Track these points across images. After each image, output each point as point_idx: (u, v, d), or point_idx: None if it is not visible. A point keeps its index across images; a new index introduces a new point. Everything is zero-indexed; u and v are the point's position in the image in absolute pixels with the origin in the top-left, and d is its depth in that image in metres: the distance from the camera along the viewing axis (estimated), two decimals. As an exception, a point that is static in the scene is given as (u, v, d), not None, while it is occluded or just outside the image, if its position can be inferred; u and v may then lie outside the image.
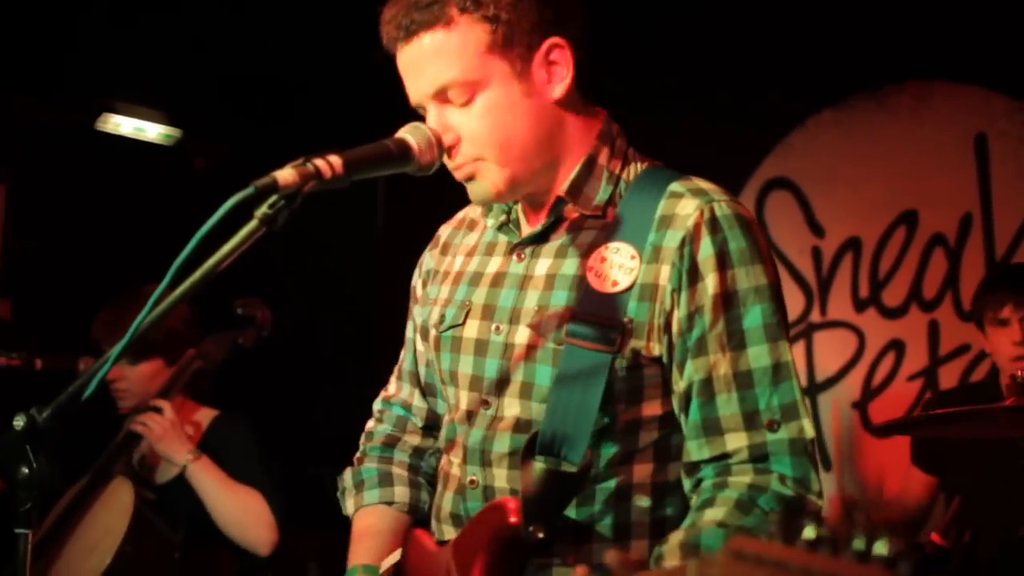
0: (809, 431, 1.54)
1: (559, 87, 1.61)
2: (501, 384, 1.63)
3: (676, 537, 1.47)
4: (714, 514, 1.47)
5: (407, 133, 1.56)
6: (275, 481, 2.97)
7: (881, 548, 0.98)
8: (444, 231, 1.87)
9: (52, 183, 4.68)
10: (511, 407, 1.62)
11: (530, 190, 1.67)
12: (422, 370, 1.86)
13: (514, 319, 1.64)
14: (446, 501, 1.70)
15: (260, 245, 1.40)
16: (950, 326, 3.78)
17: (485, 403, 1.64)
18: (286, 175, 1.40)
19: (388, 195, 4.71)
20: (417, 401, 1.88)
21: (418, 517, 1.82)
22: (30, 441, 1.59)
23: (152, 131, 4.82)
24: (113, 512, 2.82)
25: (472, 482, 1.64)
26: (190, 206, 4.91)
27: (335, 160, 1.45)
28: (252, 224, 1.42)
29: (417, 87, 1.60)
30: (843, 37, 3.83)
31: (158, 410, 2.92)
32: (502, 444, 1.62)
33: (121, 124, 4.75)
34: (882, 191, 3.80)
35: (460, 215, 1.88)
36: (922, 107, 3.81)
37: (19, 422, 1.60)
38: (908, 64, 3.79)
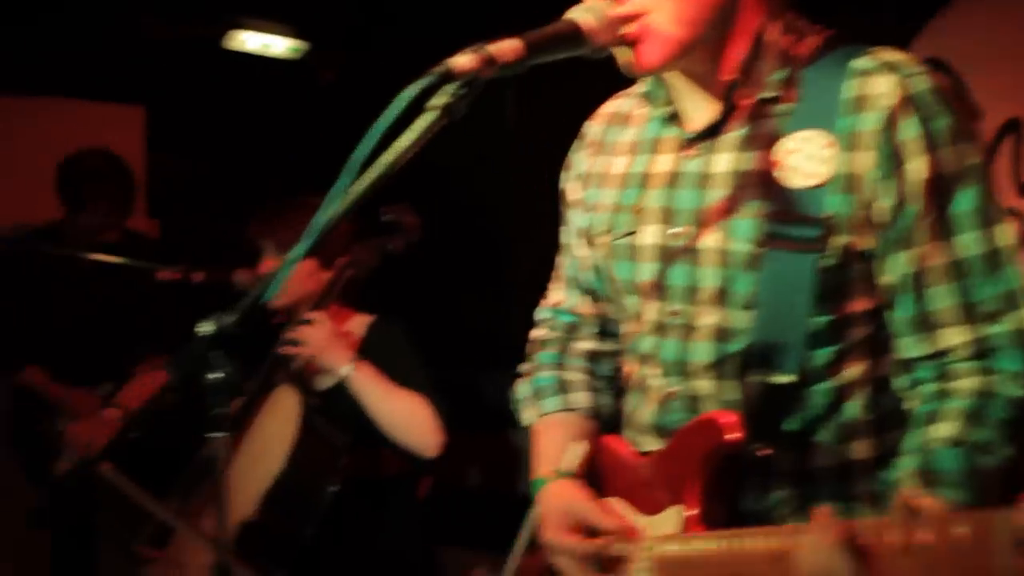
0: None
1: None
2: (692, 292, 1.55)
3: (909, 462, 1.39)
4: (945, 430, 1.38)
5: (581, 12, 1.48)
6: (435, 384, 2.98)
7: None
8: (592, 129, 1.77)
9: (185, 103, 4.75)
10: (707, 315, 1.54)
11: (695, 69, 1.55)
12: (584, 275, 1.79)
13: (699, 222, 1.54)
14: (645, 412, 1.64)
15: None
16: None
17: (675, 313, 1.57)
18: (462, 61, 1.35)
19: (518, 91, 4.64)
20: (586, 307, 1.82)
21: (600, 422, 1.77)
22: (218, 346, 1.61)
23: (278, 46, 4.83)
24: (280, 419, 2.86)
25: (672, 394, 1.59)
26: (318, 120, 4.97)
27: (513, 44, 1.40)
28: (431, 115, 1.38)
29: None
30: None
31: (312, 323, 2.94)
32: (703, 354, 1.55)
33: (247, 40, 4.77)
34: (987, 98, 3.57)
35: (608, 109, 1.77)
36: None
37: (206, 328, 1.62)
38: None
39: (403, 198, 3.14)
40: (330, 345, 2.90)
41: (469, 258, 4.71)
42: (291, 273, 3.01)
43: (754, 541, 1.37)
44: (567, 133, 5.24)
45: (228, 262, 3.26)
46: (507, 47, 1.39)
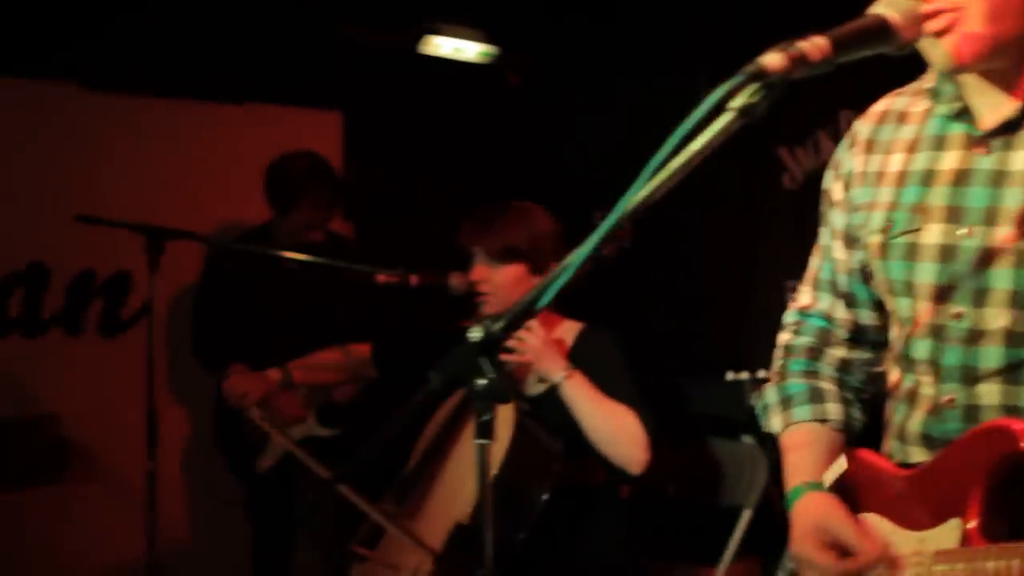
0: None
1: None
2: (979, 293, 1.49)
3: None
4: None
5: (885, 7, 1.42)
6: (643, 396, 2.93)
7: None
8: (862, 127, 1.72)
9: (382, 108, 4.82)
10: (997, 318, 1.48)
11: (998, 66, 1.48)
12: (841, 278, 1.74)
13: (991, 220, 1.49)
14: (914, 422, 1.58)
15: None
16: None
17: (958, 315, 1.51)
18: (774, 61, 1.32)
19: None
20: (839, 312, 1.76)
21: (849, 436, 1.72)
22: (486, 352, 1.60)
23: (471, 50, 4.85)
24: (496, 424, 2.85)
25: (950, 401, 1.53)
26: (508, 123, 4.98)
27: (821, 42, 1.35)
28: (729, 116, 1.35)
29: None
30: None
31: (528, 330, 2.92)
32: (991, 359, 1.48)
33: (442, 45, 4.81)
34: None
35: (879, 108, 1.72)
36: None
37: (476, 334, 1.61)
38: None
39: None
40: (545, 352, 2.88)
41: (662, 263, 4.65)
42: (498, 279, 3.05)
43: None
44: (763, 133, 5.09)
45: (430, 266, 3.29)
46: (816, 45, 1.34)
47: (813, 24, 1.44)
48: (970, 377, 1.51)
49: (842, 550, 1.57)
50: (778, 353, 1.83)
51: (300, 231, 3.99)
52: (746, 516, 3.16)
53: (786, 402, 1.75)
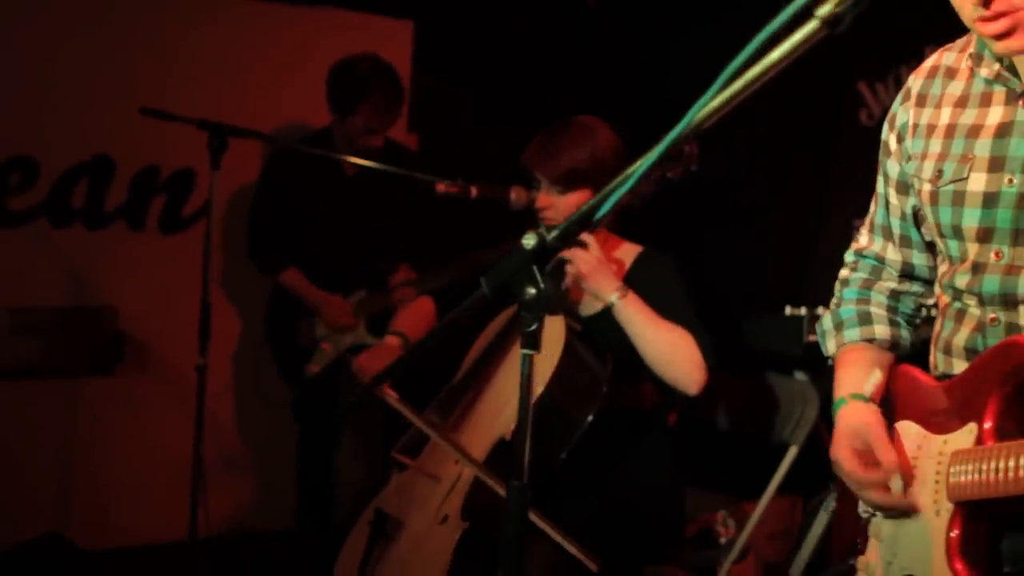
0: None
1: None
2: (1017, 235, 1.62)
3: None
4: None
5: None
6: (700, 321, 2.87)
7: None
8: (914, 83, 1.84)
9: (453, 20, 4.75)
10: None
11: None
12: (895, 222, 1.89)
13: None
14: (960, 337, 1.71)
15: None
16: None
17: (999, 253, 1.65)
18: (867, -36, 1.24)
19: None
20: (891, 254, 1.92)
21: (898, 354, 1.88)
22: (538, 261, 1.57)
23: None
24: (545, 342, 2.79)
25: (993, 319, 1.66)
26: (584, 44, 4.87)
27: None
28: (813, 24, 1.27)
29: None
30: None
31: (583, 244, 2.87)
32: None
33: (518, -41, 4.70)
34: None
35: (929, 63, 1.83)
36: None
37: (529, 241, 1.57)
38: None
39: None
40: (600, 270, 2.83)
41: (733, 194, 4.56)
42: (562, 205, 2.99)
43: None
44: (844, 67, 4.92)
45: (494, 180, 3.23)
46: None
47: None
48: (1010, 301, 1.64)
49: (870, 458, 1.72)
50: (836, 287, 2.00)
51: (360, 135, 3.94)
52: (792, 453, 3.12)
53: (839, 326, 1.91)
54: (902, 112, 1.84)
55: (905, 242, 1.88)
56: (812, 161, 4.77)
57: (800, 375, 3.71)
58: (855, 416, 1.76)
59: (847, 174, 4.71)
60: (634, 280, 2.93)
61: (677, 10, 4.76)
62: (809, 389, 3.30)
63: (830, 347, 1.92)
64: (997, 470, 1.49)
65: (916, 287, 1.91)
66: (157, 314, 4.28)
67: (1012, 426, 1.54)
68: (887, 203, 1.89)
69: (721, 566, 3.09)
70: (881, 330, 1.87)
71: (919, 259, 1.88)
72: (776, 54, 1.30)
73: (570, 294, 3.01)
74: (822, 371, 3.76)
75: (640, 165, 1.45)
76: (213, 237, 3.42)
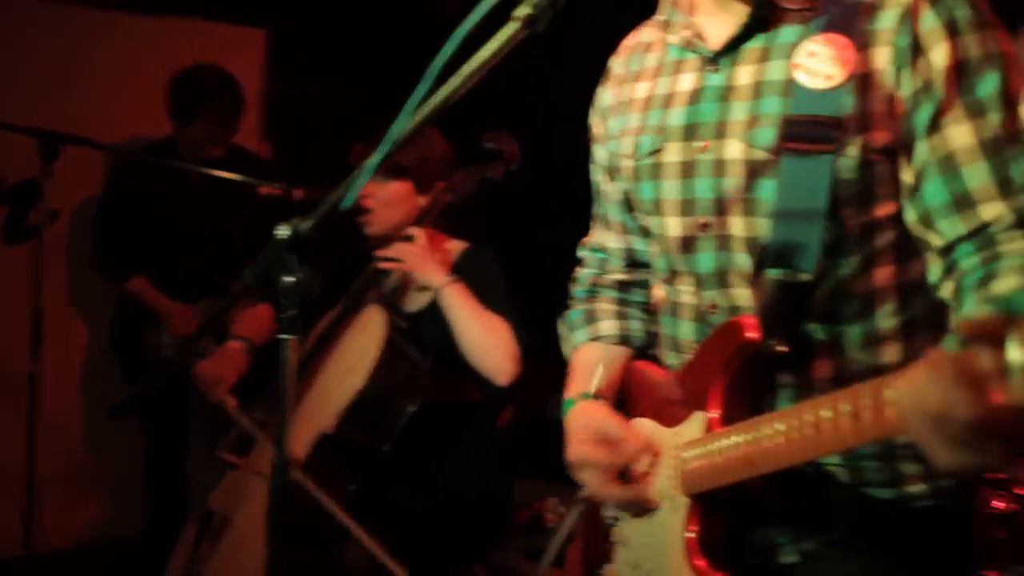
0: None
1: None
2: (720, 204, 1.55)
3: (979, 310, 1.33)
4: (1008, 283, 1.33)
5: None
6: (519, 315, 2.98)
7: None
8: (614, 63, 1.80)
9: (308, 27, 4.78)
10: (737, 226, 1.54)
11: None
12: (611, 209, 1.83)
13: (721, 134, 1.55)
14: (684, 330, 1.64)
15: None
16: None
17: (705, 225, 1.57)
18: (552, -33, 1.32)
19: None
20: (612, 243, 1.86)
21: (634, 346, 1.80)
22: (294, 250, 1.62)
23: (398, -28, 4.81)
24: (367, 337, 2.89)
25: (713, 307, 1.59)
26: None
27: (598, -48, 1.36)
28: (512, 26, 1.36)
29: None
30: None
31: (410, 238, 2.95)
32: (739, 264, 1.55)
33: (368, -34, 4.76)
34: None
35: (628, 42, 1.80)
36: None
37: (283, 232, 1.63)
38: None
39: (504, 125, 3.12)
40: (426, 260, 2.92)
41: (558, 188, 4.67)
42: (383, 195, 3.06)
43: (794, 416, 1.36)
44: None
45: (332, 182, 3.28)
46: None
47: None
48: (725, 282, 1.57)
49: (612, 446, 1.65)
50: (570, 287, 1.93)
51: (200, 145, 3.97)
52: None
53: (570, 328, 1.87)
54: (603, 94, 1.80)
55: (623, 228, 1.82)
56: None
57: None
58: (584, 414, 1.70)
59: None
60: (458, 273, 3.01)
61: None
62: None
63: (566, 351, 1.88)
64: (722, 454, 1.47)
65: (643, 274, 1.84)
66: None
67: (738, 411, 1.52)
68: (602, 191, 1.84)
69: (546, 551, 3.18)
70: (607, 326, 1.81)
71: (640, 244, 1.81)
72: (484, 54, 1.38)
73: (398, 293, 3.09)
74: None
75: (367, 168, 1.52)
76: (56, 246, 3.41)
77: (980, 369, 1.04)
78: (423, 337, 2.95)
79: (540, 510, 3.37)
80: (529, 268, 3.85)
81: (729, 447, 1.46)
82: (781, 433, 1.37)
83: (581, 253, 1.94)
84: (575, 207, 4.77)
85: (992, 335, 1.02)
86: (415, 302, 3.05)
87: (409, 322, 2.99)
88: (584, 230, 5.02)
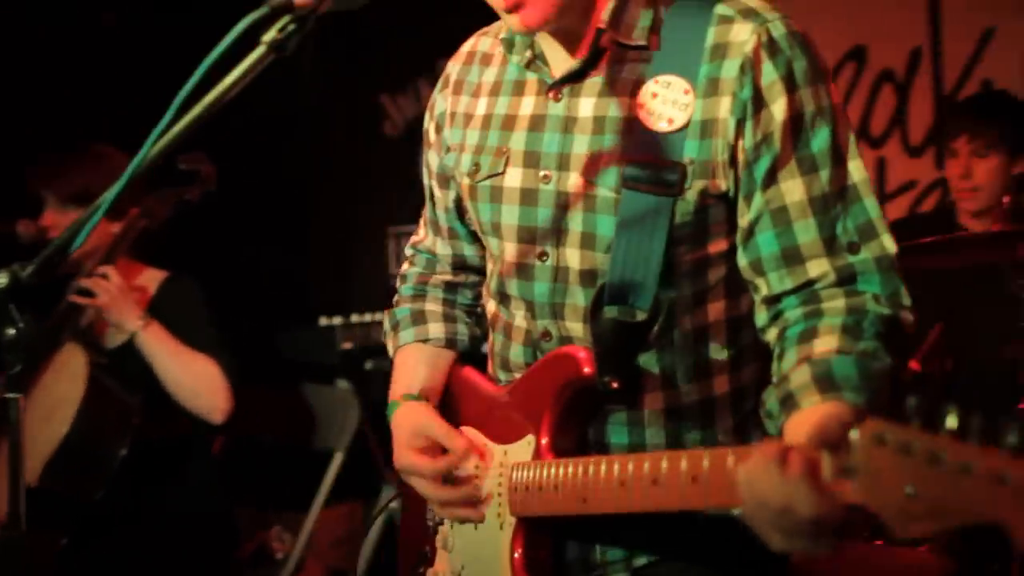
0: (891, 247, 1.48)
1: None
2: (557, 234, 1.56)
3: (801, 375, 1.38)
4: (827, 343, 1.40)
5: None
6: (228, 344, 2.89)
7: None
8: (452, 68, 1.75)
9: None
10: (573, 258, 1.55)
11: (567, 24, 1.54)
12: (441, 215, 1.80)
13: (563, 166, 1.55)
14: (515, 352, 1.64)
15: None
16: (897, 162, 3.79)
17: (543, 255, 1.58)
18: (302, -8, 1.28)
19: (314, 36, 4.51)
20: (440, 248, 1.84)
21: (459, 350, 1.79)
22: (14, 299, 1.48)
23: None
24: (67, 378, 2.71)
25: (546, 334, 1.59)
26: (99, 64, 4.63)
27: (351, -26, 1.32)
28: (260, 50, 1.30)
29: None
30: None
31: (104, 276, 2.79)
32: (574, 297, 1.56)
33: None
34: (832, 26, 3.71)
35: (466, 48, 1.75)
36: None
37: (1, 279, 1.48)
38: None
39: (199, 146, 3.00)
40: (119, 301, 2.77)
41: (266, 210, 4.57)
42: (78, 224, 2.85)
43: (629, 464, 1.38)
44: (365, 81, 5.10)
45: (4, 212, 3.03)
46: (342, -21, 1.31)
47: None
48: (559, 313, 1.57)
49: (439, 452, 1.64)
50: (398, 283, 1.91)
51: None
52: (338, 460, 3.19)
53: (396, 327, 1.82)
54: (440, 100, 1.75)
55: (453, 234, 1.80)
56: (342, 173, 4.90)
57: (341, 383, 3.80)
58: (410, 416, 1.68)
59: (375, 184, 4.89)
60: (159, 306, 2.89)
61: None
62: (349, 396, 3.40)
63: (390, 349, 1.83)
64: (556, 488, 1.46)
65: (472, 277, 1.83)
66: None
67: (568, 441, 1.52)
68: (432, 196, 1.81)
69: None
70: (435, 328, 1.78)
71: (470, 250, 1.80)
72: (230, 79, 1.31)
73: (95, 327, 2.90)
74: (362, 377, 3.89)
75: (111, 193, 1.42)
76: None
77: (823, 469, 1.08)
78: (127, 374, 2.79)
79: (265, 540, 3.27)
80: (237, 290, 3.73)
81: (563, 482, 1.46)
82: (618, 479, 1.38)
83: (409, 252, 1.91)
84: (278, 225, 4.71)
85: (834, 441, 1.06)
86: (115, 337, 2.87)
87: (111, 359, 2.81)
88: (292, 247, 4.94)
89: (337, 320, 3.76)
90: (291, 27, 1.30)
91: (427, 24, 4.22)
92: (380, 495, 3.40)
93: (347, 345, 3.64)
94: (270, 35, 1.29)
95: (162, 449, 2.88)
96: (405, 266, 1.90)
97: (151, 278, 2.98)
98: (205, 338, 2.84)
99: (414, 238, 1.90)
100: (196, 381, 2.79)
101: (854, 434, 1.03)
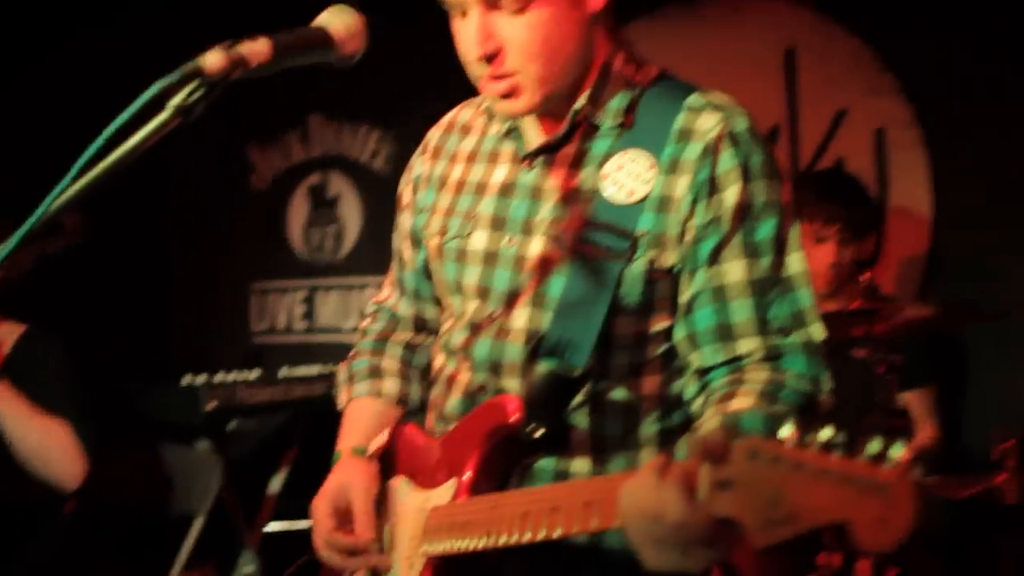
0: (819, 335, 1.57)
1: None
2: (512, 295, 1.64)
3: (710, 423, 1.46)
4: (742, 402, 1.47)
5: (330, 18, 1.43)
6: (85, 406, 2.80)
7: (897, 451, 1.00)
8: (433, 135, 1.85)
9: None
10: (521, 317, 1.62)
11: (552, 104, 1.63)
12: (408, 276, 1.89)
13: (527, 231, 1.64)
14: (452, 404, 1.70)
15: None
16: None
17: (494, 313, 1.66)
18: (214, 61, 1.28)
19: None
20: (403, 309, 1.91)
21: (407, 409, 1.85)
22: None
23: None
24: None
25: (482, 388, 1.66)
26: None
27: (262, 45, 1.33)
28: (166, 114, 1.29)
29: None
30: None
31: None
32: (513, 353, 1.62)
33: None
34: None
35: (448, 118, 1.86)
36: (735, 19, 3.89)
37: None
38: (721, -24, 3.87)
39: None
40: None
41: (128, 262, 4.44)
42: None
43: (539, 495, 1.44)
44: (233, 132, 5.03)
45: None
46: (257, 49, 1.32)
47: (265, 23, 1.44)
48: (497, 369, 1.64)
49: (345, 521, 1.70)
50: (357, 337, 1.97)
51: None
52: (199, 523, 3.10)
53: (351, 379, 1.87)
54: (419, 164, 1.85)
55: (418, 296, 1.88)
56: (207, 225, 4.80)
57: (202, 444, 3.69)
58: (346, 473, 1.74)
59: (242, 237, 4.81)
60: (14, 363, 2.79)
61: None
62: (211, 458, 3.32)
63: (341, 400, 1.88)
64: (465, 524, 1.52)
65: (430, 339, 1.90)
66: None
67: (488, 485, 1.58)
68: (401, 257, 1.89)
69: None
70: (390, 385, 1.85)
71: (431, 313, 1.88)
72: (132, 142, 1.29)
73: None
74: (224, 437, 3.79)
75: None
76: None
77: (696, 477, 1.14)
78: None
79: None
80: (95, 345, 3.61)
81: (472, 517, 1.51)
82: (521, 506, 1.43)
83: (371, 309, 1.97)
84: (140, 278, 4.57)
85: (715, 450, 1.11)
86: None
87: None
88: (154, 302, 4.81)
89: (200, 379, 3.65)
90: (199, 93, 1.30)
91: (299, 78, 4.19)
92: (239, 560, 3.32)
93: (211, 405, 3.55)
94: (177, 100, 1.29)
95: (11, 516, 2.75)
96: (367, 321, 1.96)
97: (8, 332, 2.87)
98: (61, 400, 2.74)
99: (378, 297, 1.97)
100: (47, 446, 2.69)
101: (732, 448, 1.09)
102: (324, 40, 1.41)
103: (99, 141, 1.24)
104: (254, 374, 3.82)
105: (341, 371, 1.90)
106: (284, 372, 3.65)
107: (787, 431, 1.06)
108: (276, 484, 3.53)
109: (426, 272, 1.84)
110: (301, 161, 4.70)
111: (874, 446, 1.01)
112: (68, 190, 1.30)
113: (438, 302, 1.85)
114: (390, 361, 1.88)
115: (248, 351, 4.59)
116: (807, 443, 1.04)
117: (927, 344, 3.29)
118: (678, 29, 3.95)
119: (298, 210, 4.71)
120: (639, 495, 1.22)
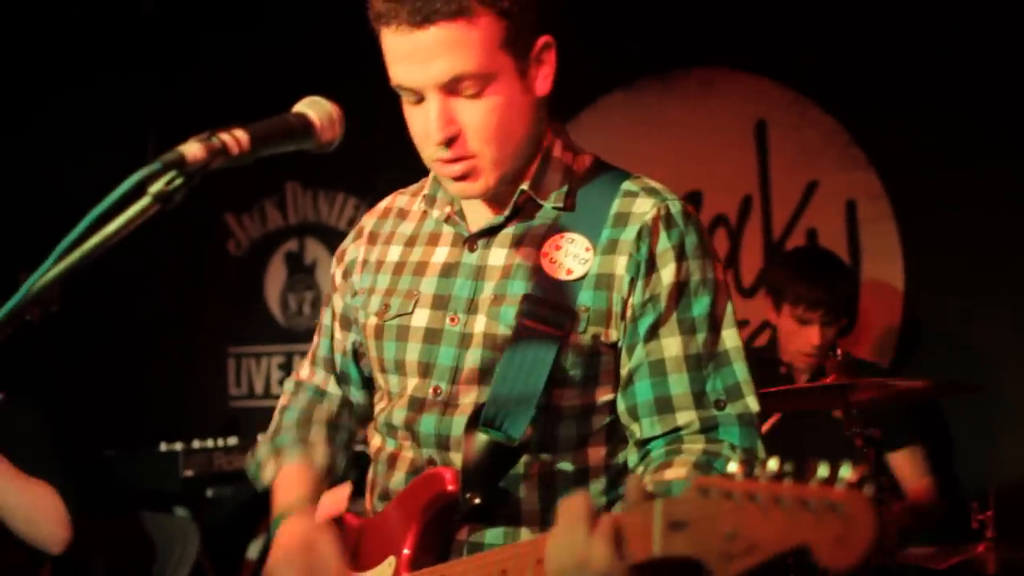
0: (754, 407, 1.62)
1: (545, 84, 1.65)
2: (456, 372, 1.66)
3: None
4: (675, 472, 1.52)
5: (308, 108, 1.47)
6: (67, 470, 2.79)
7: (846, 472, 1.03)
8: (368, 222, 1.89)
9: None
10: (467, 394, 1.65)
11: (501, 187, 1.67)
12: (337, 357, 1.90)
13: (471, 309, 1.67)
14: (396, 480, 1.71)
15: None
16: (730, 303, 3.97)
17: (436, 390, 1.67)
18: (194, 151, 1.31)
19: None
20: (331, 388, 1.92)
21: (334, 480, 1.85)
22: None
23: None
24: None
25: (431, 462, 1.67)
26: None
27: (241, 135, 1.36)
28: (145, 202, 1.31)
29: (425, 74, 1.56)
30: (633, 23, 3.96)
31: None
32: (458, 429, 1.64)
33: None
34: (668, 172, 3.80)
35: (383, 204, 1.89)
36: (707, 93, 3.97)
37: None
38: (694, 51, 3.95)
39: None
40: None
41: (105, 328, 4.44)
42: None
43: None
44: (211, 199, 5.04)
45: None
46: (236, 138, 1.35)
47: (248, 112, 1.47)
48: (444, 444, 1.66)
49: (313, 557, 1.65)
50: (276, 415, 1.95)
51: None
52: (175, 592, 3.09)
53: (278, 453, 1.85)
54: (352, 249, 1.87)
55: (345, 378, 1.89)
56: (184, 291, 4.82)
57: (180, 511, 3.69)
58: (297, 533, 1.69)
59: (219, 303, 4.83)
60: (-5, 430, 2.78)
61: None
62: (189, 525, 3.30)
63: (268, 474, 1.85)
64: None
65: (352, 421, 1.91)
66: None
67: (427, 557, 1.58)
68: (332, 337, 1.89)
69: None
70: (320, 454, 1.83)
71: (357, 396, 1.89)
72: (111, 228, 1.31)
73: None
74: (201, 506, 3.78)
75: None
76: None
77: (621, 526, 1.17)
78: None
79: None
80: (73, 412, 3.60)
81: None
82: (467, 574, 1.45)
83: (290, 387, 1.96)
84: (117, 344, 4.57)
85: (641, 500, 1.16)
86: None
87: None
88: (131, 368, 4.79)
89: (178, 446, 3.65)
90: (178, 181, 1.32)
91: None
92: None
93: (188, 472, 3.55)
94: (157, 187, 1.31)
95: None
96: (285, 399, 1.95)
97: (-14, 401, 2.86)
98: (43, 464, 2.74)
99: (296, 375, 1.96)
100: (33, 509, 2.68)
101: (682, 489, 1.13)
102: (304, 129, 1.44)
103: (80, 227, 1.27)
104: (231, 441, 3.82)
105: (261, 449, 1.89)
106: (261, 438, 3.65)
107: (733, 467, 1.09)
108: (254, 550, 3.52)
109: (355, 355, 1.87)
110: (278, 228, 4.76)
111: (823, 470, 1.04)
112: (49, 272, 1.33)
113: (365, 385, 1.88)
114: (317, 434, 1.86)
115: (225, 417, 4.59)
116: (756, 476, 1.07)
117: (912, 407, 3.35)
118: (653, 101, 4.04)
119: (275, 276, 4.75)
120: (568, 538, 1.25)
